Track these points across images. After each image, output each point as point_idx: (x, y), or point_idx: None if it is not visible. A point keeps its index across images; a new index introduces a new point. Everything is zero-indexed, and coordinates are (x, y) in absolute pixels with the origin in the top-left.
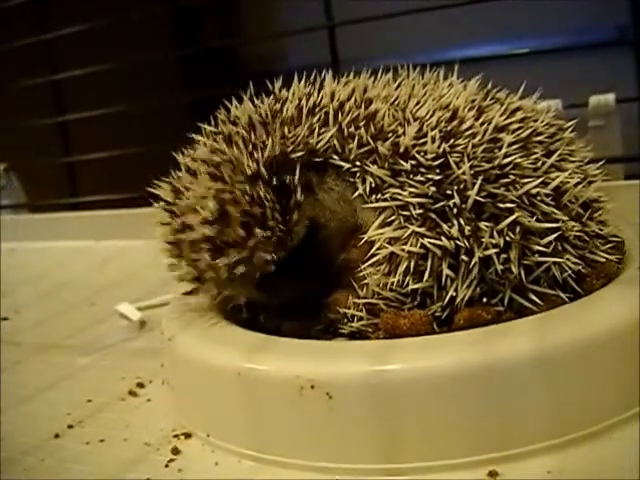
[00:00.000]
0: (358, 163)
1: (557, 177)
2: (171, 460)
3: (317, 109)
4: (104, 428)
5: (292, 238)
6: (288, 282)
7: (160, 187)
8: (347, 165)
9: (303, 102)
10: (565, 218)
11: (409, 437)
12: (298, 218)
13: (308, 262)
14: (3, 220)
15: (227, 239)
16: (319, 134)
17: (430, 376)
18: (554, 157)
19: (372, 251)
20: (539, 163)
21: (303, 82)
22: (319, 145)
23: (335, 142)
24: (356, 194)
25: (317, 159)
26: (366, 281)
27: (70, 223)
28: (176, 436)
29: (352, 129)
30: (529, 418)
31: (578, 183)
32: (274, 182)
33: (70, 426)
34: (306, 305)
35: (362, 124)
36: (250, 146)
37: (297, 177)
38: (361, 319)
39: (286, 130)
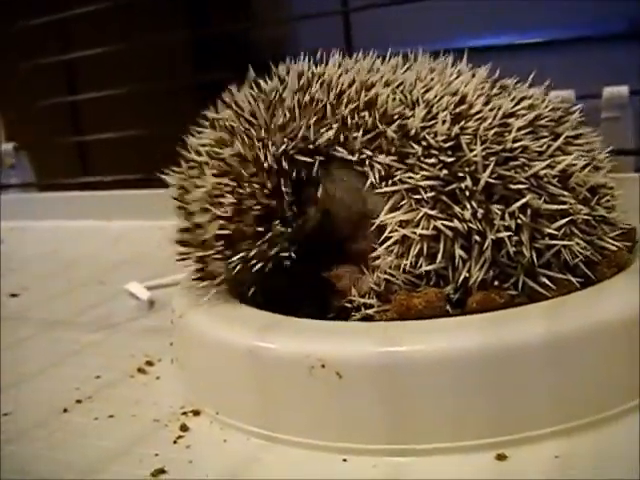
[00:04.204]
0: (365, 152)
1: (563, 160)
2: (179, 437)
3: (317, 101)
4: (113, 404)
5: (306, 229)
6: (297, 270)
7: (168, 176)
8: (353, 158)
9: (301, 96)
10: (572, 201)
11: (418, 418)
12: (313, 209)
13: (318, 251)
14: (14, 198)
15: (242, 235)
16: (321, 127)
17: (440, 358)
18: (560, 140)
19: (384, 235)
20: (545, 147)
21: (309, 64)
22: (322, 139)
23: (339, 133)
24: (367, 183)
25: (321, 153)
26: (378, 262)
27: (83, 202)
28: (185, 413)
29: (355, 118)
30: (538, 402)
31: (585, 166)
32: (292, 174)
33: (79, 401)
34: (316, 290)
35: (364, 110)
36: (255, 140)
37: (315, 169)
38: (371, 306)
39: (289, 124)
